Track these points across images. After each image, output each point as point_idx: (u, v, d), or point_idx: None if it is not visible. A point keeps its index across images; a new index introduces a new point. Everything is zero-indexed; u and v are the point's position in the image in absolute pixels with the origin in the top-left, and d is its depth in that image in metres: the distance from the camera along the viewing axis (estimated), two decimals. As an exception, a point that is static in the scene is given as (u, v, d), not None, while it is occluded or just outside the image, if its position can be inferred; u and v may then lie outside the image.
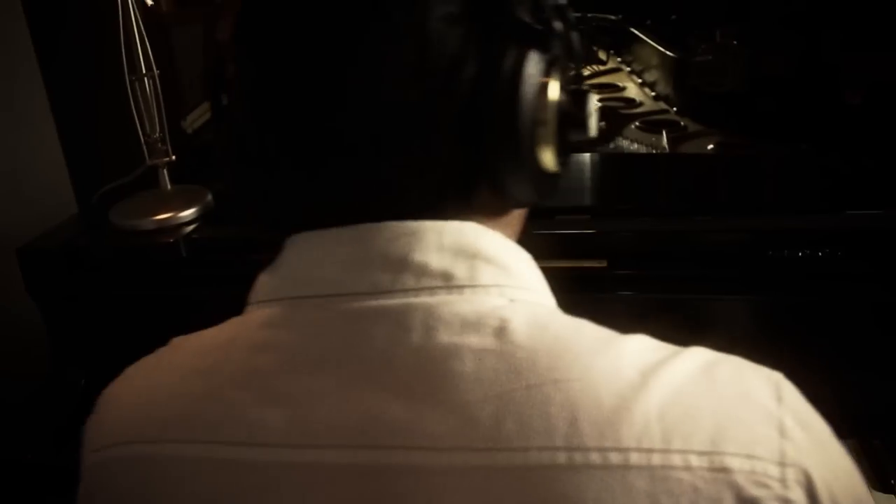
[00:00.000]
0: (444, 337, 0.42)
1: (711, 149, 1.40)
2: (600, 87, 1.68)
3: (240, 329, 0.47)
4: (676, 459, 0.39)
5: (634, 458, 0.39)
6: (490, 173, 0.46)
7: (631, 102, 1.61)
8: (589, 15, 1.51)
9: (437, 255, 0.44)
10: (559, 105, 0.46)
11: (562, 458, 0.39)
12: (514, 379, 0.41)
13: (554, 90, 0.45)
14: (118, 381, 0.50)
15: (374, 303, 0.43)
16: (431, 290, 0.43)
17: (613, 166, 1.12)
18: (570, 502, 0.38)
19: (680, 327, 1.03)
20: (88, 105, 1.50)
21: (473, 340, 0.42)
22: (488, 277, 0.45)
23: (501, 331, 0.42)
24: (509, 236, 0.50)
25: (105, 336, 1.11)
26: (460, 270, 0.44)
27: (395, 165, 0.45)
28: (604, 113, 1.56)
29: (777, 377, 0.45)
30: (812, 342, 0.99)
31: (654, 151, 1.36)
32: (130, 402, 0.48)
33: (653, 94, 1.65)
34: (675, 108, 1.56)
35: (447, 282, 0.44)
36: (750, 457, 0.40)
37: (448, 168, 0.45)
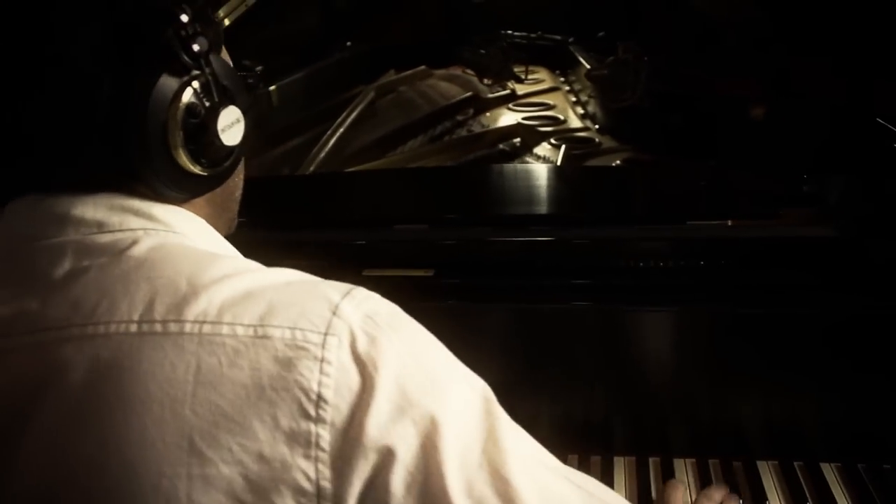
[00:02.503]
0: (85, 261, 0.54)
1: (616, 164, 1.38)
2: (531, 105, 1.68)
3: None
4: (224, 329, 0.50)
5: (189, 327, 0.50)
6: (133, 171, 0.56)
7: (555, 120, 1.60)
8: (504, 32, 1.50)
9: (93, 210, 0.56)
10: (184, 118, 0.55)
11: (133, 328, 0.51)
12: (119, 278, 0.53)
13: (175, 107, 0.55)
14: None
15: (45, 242, 0.56)
16: (87, 234, 0.55)
17: (468, 179, 1.11)
18: (134, 359, 0.49)
19: (504, 336, 1.02)
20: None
21: (104, 259, 0.54)
22: (136, 223, 0.56)
23: (127, 249, 0.54)
24: (206, 217, 0.61)
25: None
26: (112, 220, 0.56)
27: (61, 160, 0.56)
28: (522, 130, 1.56)
29: (353, 287, 0.53)
30: (646, 352, 0.96)
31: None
32: None
33: (581, 112, 1.63)
34: (597, 126, 1.54)
35: (100, 228, 0.55)
36: (293, 328, 0.50)
37: (99, 164, 0.56)
